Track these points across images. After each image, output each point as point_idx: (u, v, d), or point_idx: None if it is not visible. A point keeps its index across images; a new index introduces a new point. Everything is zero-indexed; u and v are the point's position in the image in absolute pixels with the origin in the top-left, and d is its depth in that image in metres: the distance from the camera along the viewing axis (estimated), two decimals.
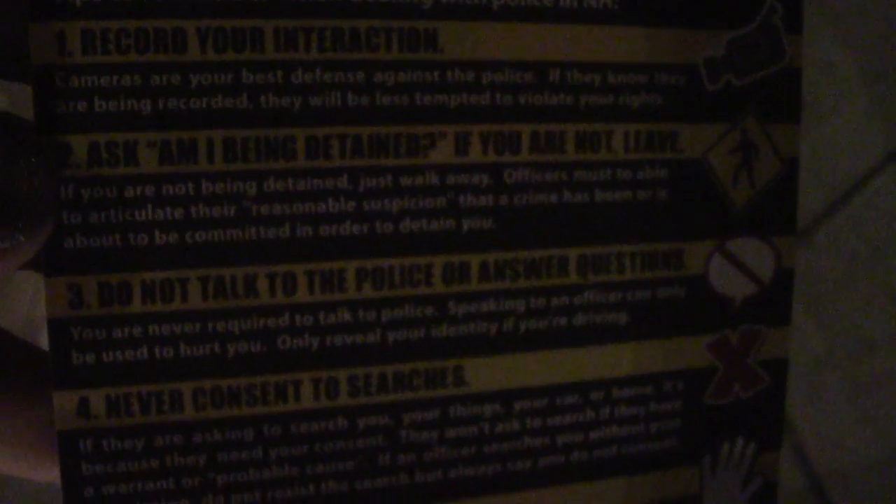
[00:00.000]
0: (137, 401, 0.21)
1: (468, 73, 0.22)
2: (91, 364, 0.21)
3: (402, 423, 0.22)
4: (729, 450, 0.25)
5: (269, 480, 0.22)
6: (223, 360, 0.21)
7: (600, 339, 0.24)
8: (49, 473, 0.23)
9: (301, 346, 0.22)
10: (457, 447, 0.23)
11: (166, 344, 0.21)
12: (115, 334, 0.21)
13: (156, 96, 0.20)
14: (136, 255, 0.21)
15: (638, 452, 0.24)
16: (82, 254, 0.20)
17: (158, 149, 0.20)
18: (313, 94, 0.21)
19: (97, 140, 0.20)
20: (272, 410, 0.22)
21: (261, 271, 0.21)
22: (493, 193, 0.22)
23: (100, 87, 0.20)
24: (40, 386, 0.21)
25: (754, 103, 0.24)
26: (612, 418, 0.24)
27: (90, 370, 0.21)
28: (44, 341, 0.21)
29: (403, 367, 0.22)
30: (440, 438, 0.23)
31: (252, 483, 0.22)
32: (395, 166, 0.22)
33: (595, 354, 0.24)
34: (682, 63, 0.24)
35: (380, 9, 0.21)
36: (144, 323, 0.21)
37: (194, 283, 0.21)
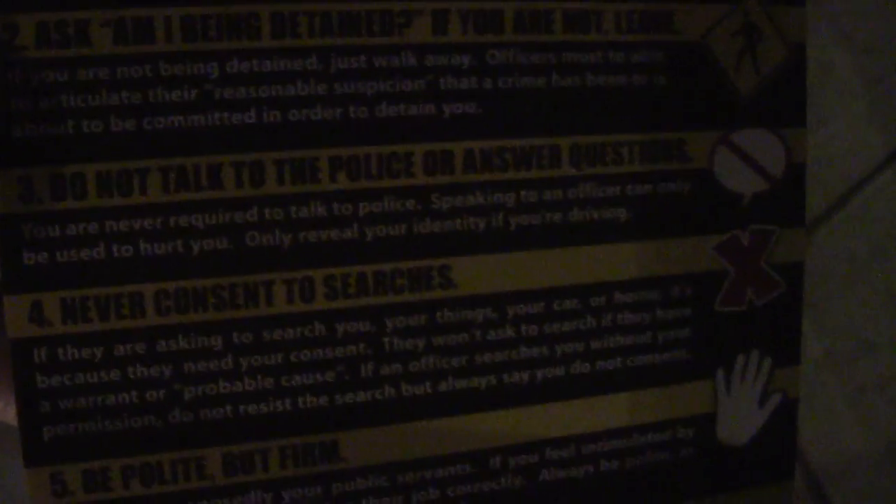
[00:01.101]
0: (95, 305, 0.19)
1: None
2: (44, 264, 0.19)
3: (386, 329, 0.21)
4: (744, 363, 0.23)
5: (241, 394, 0.20)
6: (187, 259, 0.20)
7: (599, 238, 0.22)
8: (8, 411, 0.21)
9: (271, 243, 0.20)
10: (446, 357, 0.21)
11: (125, 241, 0.19)
12: (69, 231, 0.19)
13: None
14: (90, 144, 0.19)
15: (645, 365, 0.23)
16: (32, 143, 0.19)
17: (112, 28, 0.19)
18: None
19: (46, 20, 0.19)
20: (242, 315, 0.20)
21: (226, 160, 0.20)
22: (475, 76, 0.21)
23: None
24: None
25: None
26: (615, 326, 0.22)
27: (43, 271, 0.19)
28: None
29: (385, 267, 0.20)
30: (427, 347, 0.21)
31: (222, 396, 0.20)
32: (368, 46, 0.20)
33: (594, 255, 0.22)
34: None
35: None
36: (101, 218, 0.19)
37: (154, 174, 0.19)
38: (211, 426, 0.20)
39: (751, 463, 0.24)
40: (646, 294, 0.22)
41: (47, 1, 0.19)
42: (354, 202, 0.20)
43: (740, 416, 0.24)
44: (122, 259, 0.19)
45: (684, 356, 0.23)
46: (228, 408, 0.20)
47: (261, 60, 0.19)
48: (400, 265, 0.20)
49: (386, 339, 0.21)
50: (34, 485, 0.20)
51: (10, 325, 0.19)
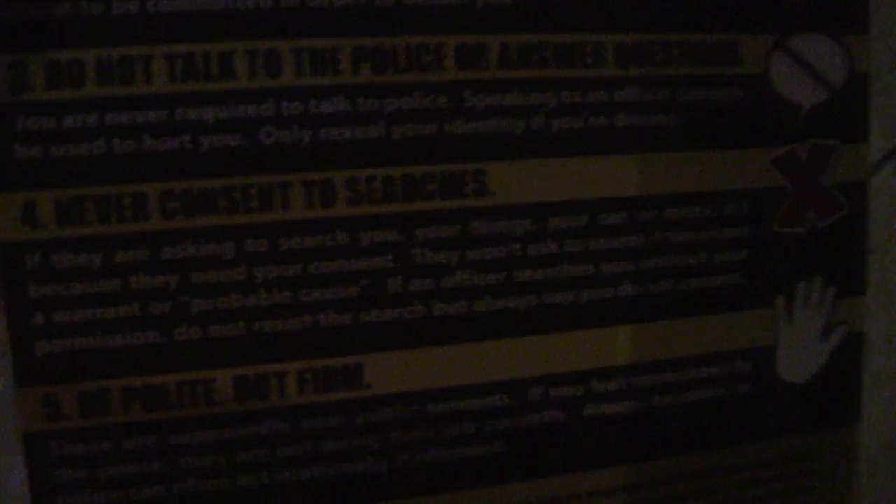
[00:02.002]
0: (94, 206, 0.17)
1: None
2: (38, 159, 0.17)
3: (415, 239, 0.19)
4: (805, 291, 0.21)
5: (255, 308, 0.18)
6: (195, 156, 0.18)
7: (647, 146, 0.20)
8: None
9: (289, 140, 0.18)
10: (482, 273, 0.19)
11: (127, 136, 0.17)
12: (65, 123, 0.17)
13: None
14: (88, 28, 0.17)
15: (699, 289, 0.20)
16: (23, 23, 0.17)
17: None
18: None
19: None
20: (256, 220, 0.18)
21: (239, 47, 0.18)
22: None
23: None
24: None
25: None
26: (666, 244, 0.20)
27: (37, 167, 0.17)
28: None
29: (413, 170, 0.19)
30: (461, 261, 0.19)
31: (234, 311, 0.18)
32: None
33: (643, 164, 0.20)
34: None
35: None
36: (101, 109, 0.17)
37: (158, 62, 0.17)
38: (221, 344, 0.18)
39: (813, 403, 0.22)
40: (698, 210, 0.20)
41: None
42: (380, 97, 0.18)
43: (802, 350, 0.21)
44: (123, 155, 0.17)
45: (741, 281, 0.21)
46: (241, 324, 0.18)
47: None
48: (430, 169, 0.19)
49: (415, 251, 0.19)
50: (26, 407, 0.18)
51: (0, 226, 0.17)
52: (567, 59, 0.19)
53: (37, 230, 0.17)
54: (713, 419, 0.21)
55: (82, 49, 0.17)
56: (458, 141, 0.19)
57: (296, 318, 0.18)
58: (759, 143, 0.21)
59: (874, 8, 0.21)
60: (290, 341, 0.18)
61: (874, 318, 0.22)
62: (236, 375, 0.18)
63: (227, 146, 0.18)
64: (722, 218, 0.20)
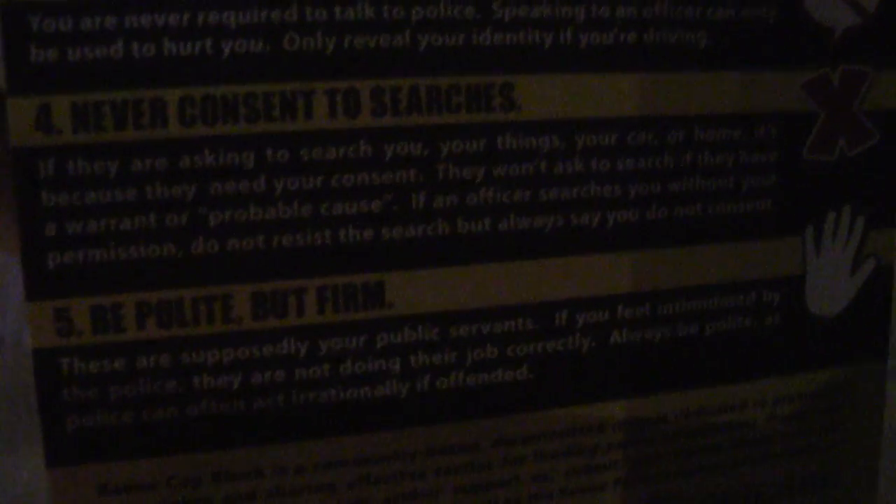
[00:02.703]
0: (111, 111, 0.17)
1: None
2: (54, 62, 0.16)
3: (440, 153, 0.18)
4: (835, 221, 0.21)
5: (275, 222, 0.17)
6: (216, 61, 0.17)
7: (678, 65, 0.19)
8: None
9: (313, 47, 0.17)
10: (508, 190, 0.18)
11: (146, 39, 0.17)
12: (83, 24, 0.16)
13: None
14: None
15: (728, 214, 0.20)
16: None
17: None
18: None
19: None
20: (277, 129, 0.17)
21: None
22: None
23: None
24: None
25: None
26: (694, 166, 0.20)
27: (53, 70, 0.16)
28: None
29: (439, 82, 0.18)
30: (487, 177, 0.18)
31: (253, 224, 0.17)
32: None
33: (672, 83, 0.19)
34: None
35: None
36: (120, 10, 0.17)
37: None
38: (239, 259, 0.17)
39: (841, 337, 0.21)
40: (728, 132, 0.20)
41: None
42: (406, 5, 0.18)
43: (831, 282, 0.21)
44: (142, 59, 0.17)
45: (770, 207, 0.20)
46: (259, 238, 0.17)
47: None
48: (457, 80, 0.18)
49: (440, 166, 0.18)
50: (36, 322, 0.17)
51: (14, 131, 0.17)
52: None
53: (51, 136, 0.17)
54: (741, 351, 0.21)
55: None
56: (485, 53, 0.18)
57: (316, 233, 0.18)
58: (791, 67, 0.20)
59: None
60: (309, 257, 0.18)
61: None
62: (254, 291, 0.18)
63: (250, 52, 0.17)
64: (751, 142, 0.20)
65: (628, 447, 0.20)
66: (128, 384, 0.17)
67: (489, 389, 0.19)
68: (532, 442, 0.19)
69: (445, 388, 0.19)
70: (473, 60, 0.18)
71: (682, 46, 0.19)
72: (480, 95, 0.18)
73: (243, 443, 0.18)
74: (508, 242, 0.19)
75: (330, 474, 0.19)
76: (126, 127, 0.17)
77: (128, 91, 0.17)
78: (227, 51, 0.17)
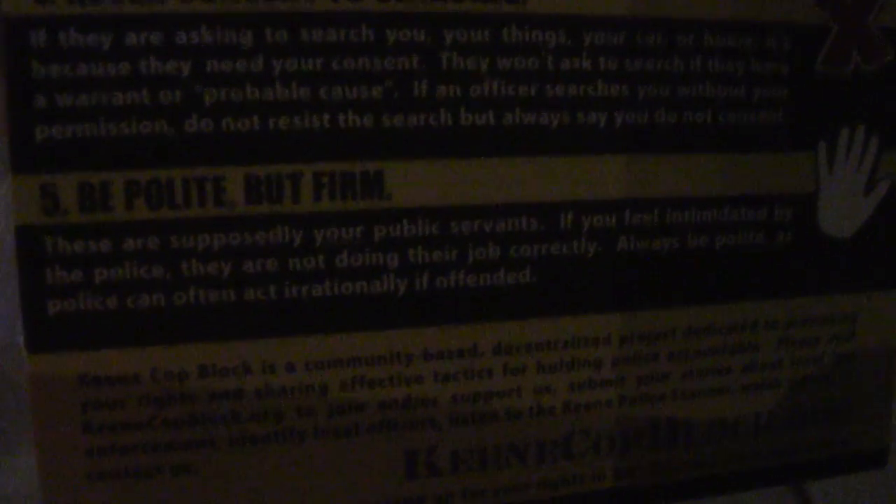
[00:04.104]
0: None
1: None
2: None
3: (444, 42, 0.18)
4: (848, 139, 0.20)
5: (272, 103, 0.17)
6: None
7: None
8: None
9: None
10: (513, 83, 0.18)
11: None
12: None
13: None
14: None
15: (738, 124, 0.19)
16: None
17: None
18: None
19: None
20: (278, 8, 0.17)
21: None
22: None
23: None
24: None
25: None
26: (704, 72, 0.19)
27: None
28: None
29: None
30: (491, 68, 0.18)
31: (249, 104, 0.17)
32: None
33: None
34: None
35: None
36: None
37: None
38: (233, 139, 0.17)
39: (855, 261, 0.21)
40: (739, 39, 0.19)
41: None
42: None
43: (844, 202, 0.20)
44: None
45: (781, 120, 0.20)
46: (255, 118, 0.17)
47: None
48: None
49: (444, 55, 0.18)
50: (21, 198, 0.16)
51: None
52: None
53: (45, 5, 0.16)
54: (752, 269, 0.20)
55: None
56: None
57: (314, 116, 0.17)
58: None
59: None
60: (306, 141, 0.17)
61: None
62: (247, 174, 0.17)
63: None
64: (762, 51, 0.19)
65: (633, 363, 0.19)
66: (113, 267, 0.17)
67: (490, 292, 0.18)
68: (534, 351, 0.19)
69: (445, 287, 0.18)
70: None
71: None
72: None
73: (232, 335, 0.17)
74: (513, 137, 0.18)
75: (321, 374, 0.18)
76: None
77: None
78: None
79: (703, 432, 0.20)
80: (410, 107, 0.17)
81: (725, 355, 0.20)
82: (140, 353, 0.17)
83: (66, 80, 0.16)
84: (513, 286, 0.18)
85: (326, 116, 0.17)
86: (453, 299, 0.18)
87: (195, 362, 0.17)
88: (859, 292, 0.21)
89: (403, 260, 0.18)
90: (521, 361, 0.19)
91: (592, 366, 0.19)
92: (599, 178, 0.19)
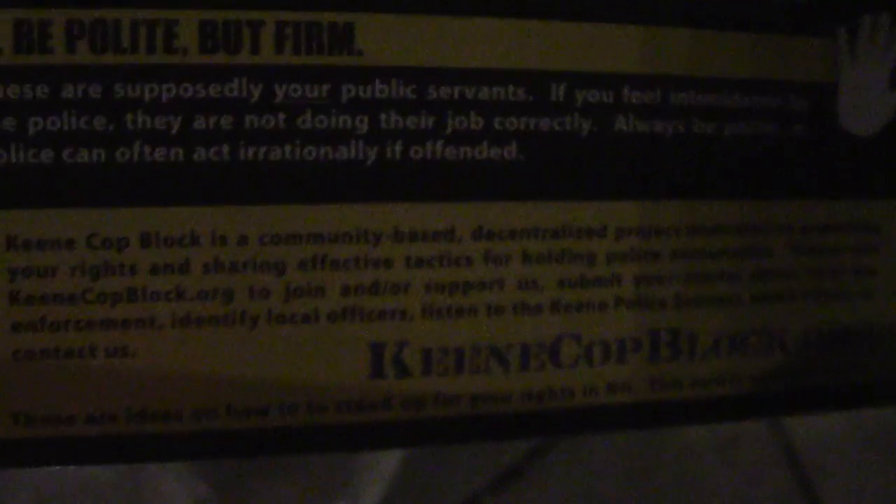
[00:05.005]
0: None
1: None
2: None
3: None
4: (871, 27, 0.18)
5: None
6: None
7: None
8: None
9: None
10: None
11: None
12: None
13: None
14: None
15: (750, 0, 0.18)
16: None
17: None
18: None
19: None
20: None
21: None
22: None
23: None
24: None
25: None
26: None
27: None
28: None
29: None
30: None
31: None
32: None
33: None
34: None
35: None
36: None
37: None
38: None
39: (878, 164, 0.19)
40: None
41: None
42: None
43: (867, 97, 0.18)
44: None
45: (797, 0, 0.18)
46: None
47: None
48: None
49: None
50: None
51: None
52: None
53: None
54: (764, 162, 0.18)
55: None
56: None
57: None
58: None
59: None
60: None
61: None
62: (202, 20, 0.15)
63: None
64: None
65: (630, 260, 0.17)
66: (50, 116, 0.15)
67: (471, 167, 0.16)
68: (519, 238, 0.17)
69: (420, 158, 0.16)
70: None
71: None
72: None
73: (179, 200, 0.15)
74: None
75: (278, 250, 0.16)
76: None
77: None
78: None
79: (709, 347, 0.18)
80: None
81: (734, 259, 0.18)
82: (75, 215, 0.15)
83: None
84: (497, 163, 0.16)
85: None
86: (429, 173, 0.16)
87: (137, 229, 0.15)
88: (884, 199, 0.19)
89: (374, 125, 0.16)
90: (505, 250, 0.17)
91: (585, 260, 0.17)
92: (596, 49, 0.17)
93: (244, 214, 0.16)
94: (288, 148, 0.16)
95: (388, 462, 0.33)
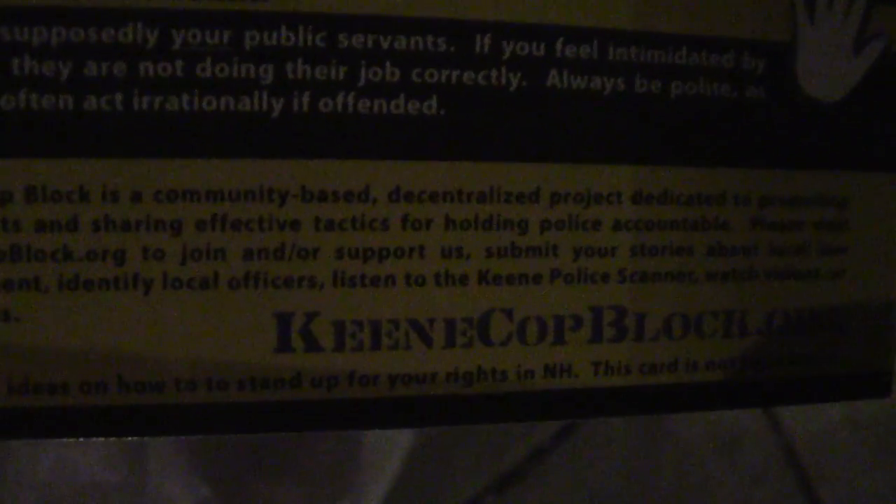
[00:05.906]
0: None
1: None
2: None
3: None
4: None
5: None
6: None
7: None
8: None
9: None
10: None
11: None
12: None
13: None
14: None
15: None
16: None
17: None
18: None
19: None
20: None
21: None
22: None
23: None
24: None
25: None
26: None
27: None
28: None
29: None
30: None
31: None
32: None
33: None
34: None
35: None
36: None
37: None
38: None
39: (846, 131, 0.17)
40: None
41: None
42: None
43: (829, 58, 0.17)
44: None
45: None
46: None
47: None
48: None
49: None
50: None
51: None
52: None
53: None
54: (717, 127, 0.16)
55: None
56: None
57: None
58: None
59: None
60: None
61: None
62: None
63: None
64: None
65: (567, 229, 0.16)
66: None
67: (387, 122, 0.15)
68: (441, 202, 0.15)
69: (329, 111, 0.15)
70: None
71: None
72: None
73: (67, 152, 0.14)
74: None
75: (174, 208, 0.15)
76: None
77: None
78: None
79: (658, 328, 0.17)
80: None
81: (684, 232, 0.17)
82: None
83: None
84: (415, 118, 0.15)
85: None
86: (340, 127, 0.15)
87: (21, 182, 0.14)
88: (851, 171, 0.17)
89: (280, 74, 0.15)
90: (425, 213, 0.15)
91: (516, 227, 0.16)
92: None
93: (138, 168, 0.14)
94: (186, 98, 0.14)
95: (390, 462, 0.34)
